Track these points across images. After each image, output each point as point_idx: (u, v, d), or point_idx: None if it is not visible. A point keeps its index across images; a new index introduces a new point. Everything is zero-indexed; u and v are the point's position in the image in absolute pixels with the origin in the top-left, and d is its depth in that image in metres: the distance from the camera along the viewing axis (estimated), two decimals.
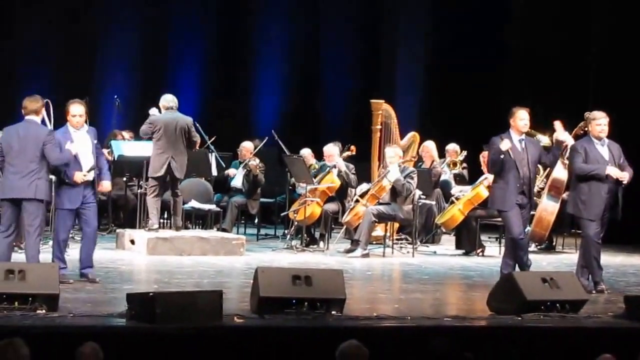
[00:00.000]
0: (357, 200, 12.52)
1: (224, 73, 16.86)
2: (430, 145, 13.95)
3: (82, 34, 16.07)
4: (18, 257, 10.53)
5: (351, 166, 12.84)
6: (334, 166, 12.65)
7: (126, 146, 13.12)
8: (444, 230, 13.63)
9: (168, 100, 12.01)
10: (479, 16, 16.45)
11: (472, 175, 13.63)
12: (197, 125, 13.53)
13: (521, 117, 9.90)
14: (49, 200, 9.36)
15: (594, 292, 9.44)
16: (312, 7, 17.50)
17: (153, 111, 12.14)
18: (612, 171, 9.56)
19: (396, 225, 12.76)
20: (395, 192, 12.16)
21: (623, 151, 9.84)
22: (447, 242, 13.58)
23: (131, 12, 16.41)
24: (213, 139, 14.13)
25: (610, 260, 12.50)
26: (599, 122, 9.74)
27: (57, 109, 10.72)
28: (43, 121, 11.56)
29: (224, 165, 14.10)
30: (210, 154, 13.85)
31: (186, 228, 12.39)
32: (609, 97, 14.39)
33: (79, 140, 9.38)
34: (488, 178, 12.39)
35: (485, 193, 12.50)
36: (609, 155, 9.71)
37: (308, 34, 17.37)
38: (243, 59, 17.05)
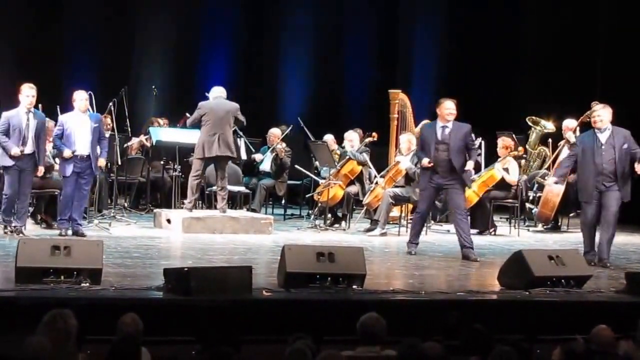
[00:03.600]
0: (376, 183, 12.54)
1: (252, 64, 16.84)
2: None
3: (120, 28, 16.08)
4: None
5: (367, 149, 12.85)
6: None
7: (163, 132, 13.16)
8: None
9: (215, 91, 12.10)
10: (493, 8, 16.37)
11: (487, 161, 13.57)
12: None
13: (447, 107, 10.27)
14: None
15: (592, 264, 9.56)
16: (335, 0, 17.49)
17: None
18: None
19: (411, 206, 12.75)
20: (409, 177, 12.18)
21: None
22: None
23: (166, 8, 16.41)
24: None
25: None
26: (595, 113, 10.03)
27: (98, 99, 10.83)
28: (87, 111, 11.68)
29: (253, 150, 14.13)
30: (239, 140, 13.87)
31: (217, 208, 12.39)
32: (616, 84, 14.35)
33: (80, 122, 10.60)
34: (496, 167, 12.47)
35: (498, 175, 12.49)
36: (608, 140, 9.85)
37: (331, 27, 17.32)
38: (270, 50, 17.04)
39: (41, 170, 10.56)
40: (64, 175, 10.64)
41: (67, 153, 10.52)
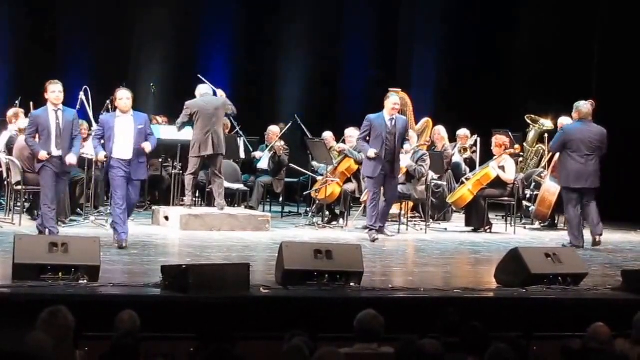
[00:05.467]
0: None
1: (251, 62, 16.84)
2: (440, 129, 13.92)
3: (118, 24, 16.06)
4: (62, 231, 10.60)
5: None
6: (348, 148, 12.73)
7: (163, 130, 13.15)
8: (454, 208, 13.60)
9: (201, 89, 12.06)
10: (491, 7, 16.37)
11: (482, 158, 13.59)
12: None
13: (393, 102, 11.19)
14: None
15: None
16: None
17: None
18: None
19: (411, 204, 12.76)
20: (410, 174, 12.18)
21: (625, 137, 10.61)
22: (458, 220, 13.55)
23: (164, 4, 16.40)
24: (239, 127, 14.18)
25: (609, 237, 12.46)
26: None
27: (97, 95, 10.77)
28: (83, 106, 11.66)
29: (251, 149, 14.12)
30: (239, 139, 13.86)
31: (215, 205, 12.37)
32: (611, 82, 14.39)
33: (121, 123, 9.76)
34: (491, 165, 12.49)
35: (493, 174, 12.47)
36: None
37: (330, 24, 17.32)
38: (269, 48, 17.03)
39: (70, 158, 9.57)
40: (113, 180, 9.77)
41: (101, 156, 9.77)
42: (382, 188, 11.18)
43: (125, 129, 9.72)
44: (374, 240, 10.99)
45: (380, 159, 10.99)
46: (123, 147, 9.69)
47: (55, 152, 9.57)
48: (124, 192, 9.68)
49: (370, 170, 11.12)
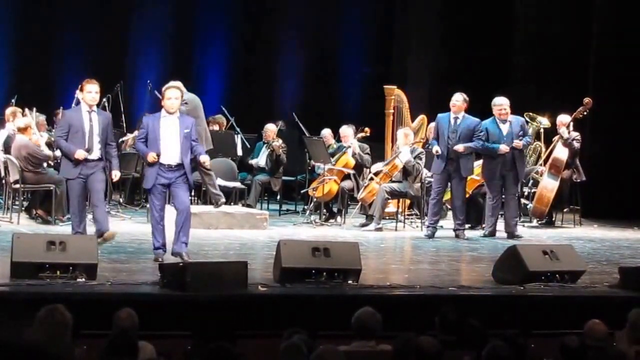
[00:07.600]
0: (371, 179, 12.53)
1: (247, 59, 16.84)
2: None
3: (115, 21, 16.06)
4: (59, 229, 10.61)
5: (366, 146, 12.84)
6: (349, 147, 12.69)
7: None
8: (448, 206, 13.58)
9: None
10: (487, 4, 16.37)
11: (478, 155, 13.58)
12: (223, 108, 13.56)
13: (452, 99, 11.60)
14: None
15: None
16: None
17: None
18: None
19: (407, 201, 12.76)
20: (407, 171, 12.19)
21: (622, 136, 10.58)
22: None
23: (162, 2, 16.40)
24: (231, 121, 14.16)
25: (606, 234, 12.50)
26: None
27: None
28: (78, 103, 11.62)
29: (248, 146, 14.10)
30: (236, 136, 13.86)
31: (212, 204, 12.38)
32: (608, 80, 14.39)
33: (167, 125, 8.98)
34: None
35: None
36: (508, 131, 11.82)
37: (327, 22, 17.32)
38: (265, 46, 17.02)
39: (117, 175, 9.25)
40: (145, 187, 9.32)
41: (151, 157, 8.83)
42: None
43: (171, 132, 8.93)
44: (428, 237, 11.38)
45: (442, 157, 11.36)
46: (168, 151, 8.90)
47: (88, 156, 8.97)
48: (161, 202, 9.11)
49: (435, 168, 11.55)
